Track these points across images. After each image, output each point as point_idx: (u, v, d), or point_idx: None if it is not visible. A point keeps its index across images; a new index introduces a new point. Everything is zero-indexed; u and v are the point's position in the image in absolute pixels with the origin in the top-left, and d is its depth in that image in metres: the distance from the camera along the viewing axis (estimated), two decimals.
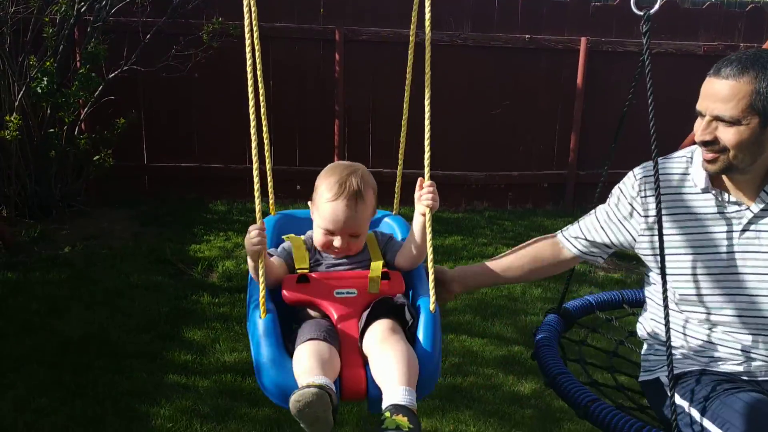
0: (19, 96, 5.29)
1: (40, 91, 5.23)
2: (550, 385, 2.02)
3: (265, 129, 1.94)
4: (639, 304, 2.43)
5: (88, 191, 6.20)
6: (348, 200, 1.90)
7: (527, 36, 6.60)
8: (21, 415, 3.00)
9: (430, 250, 1.86)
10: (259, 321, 1.76)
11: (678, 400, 1.86)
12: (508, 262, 2.21)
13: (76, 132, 5.81)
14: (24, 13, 5.35)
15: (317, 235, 1.97)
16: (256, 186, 1.79)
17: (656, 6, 1.67)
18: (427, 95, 1.89)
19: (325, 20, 6.37)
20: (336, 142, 6.43)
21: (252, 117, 1.80)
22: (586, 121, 6.71)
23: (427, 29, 1.94)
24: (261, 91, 1.93)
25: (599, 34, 6.61)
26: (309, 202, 2.04)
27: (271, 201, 2.22)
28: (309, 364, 1.63)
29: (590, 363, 2.29)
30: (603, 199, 2.20)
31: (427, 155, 1.89)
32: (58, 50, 5.49)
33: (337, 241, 1.93)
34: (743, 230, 1.87)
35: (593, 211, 2.13)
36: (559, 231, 2.20)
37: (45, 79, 5.21)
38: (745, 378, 1.88)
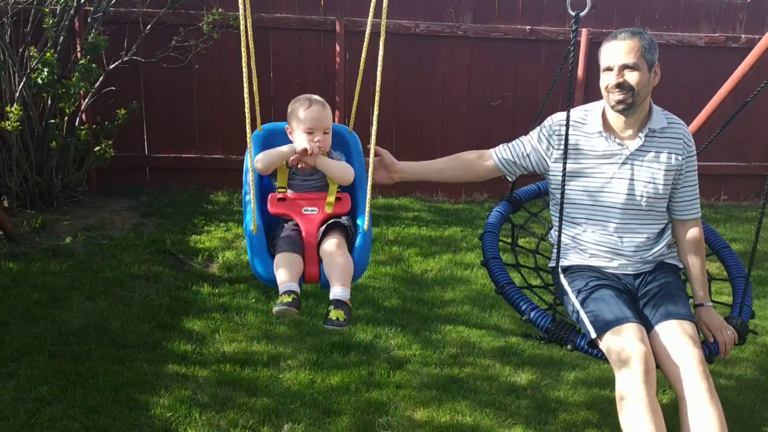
0: (20, 87, 5.30)
1: (40, 81, 5.24)
2: (484, 265, 2.88)
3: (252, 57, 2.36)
4: None
5: (89, 182, 6.23)
6: (318, 105, 2.72)
7: (528, 27, 6.59)
8: (22, 403, 3.03)
9: (370, 182, 2.51)
10: (253, 234, 2.54)
11: (565, 285, 2.67)
12: (442, 163, 2.97)
13: (76, 123, 5.82)
14: (24, 4, 5.36)
15: (300, 141, 2.67)
16: (247, 104, 2.28)
17: (586, 10, 2.24)
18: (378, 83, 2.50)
19: (325, 11, 6.36)
20: None
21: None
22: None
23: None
24: (256, 82, 2.21)
25: (600, 26, 6.60)
26: (286, 127, 2.78)
27: (258, 121, 2.74)
28: (282, 269, 2.45)
29: (521, 247, 3.21)
30: None
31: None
32: (58, 41, 5.50)
33: (317, 136, 2.67)
34: (623, 163, 2.65)
35: (520, 138, 2.92)
36: (492, 151, 2.94)
37: (45, 69, 5.22)
38: (610, 271, 2.70)
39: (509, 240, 3.26)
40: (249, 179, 2.55)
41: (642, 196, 2.65)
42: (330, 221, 2.62)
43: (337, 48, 6.33)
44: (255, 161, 2.58)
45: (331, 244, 2.53)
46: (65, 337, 3.63)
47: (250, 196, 2.58)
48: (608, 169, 2.66)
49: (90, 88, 5.69)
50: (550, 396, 3.31)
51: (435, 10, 6.41)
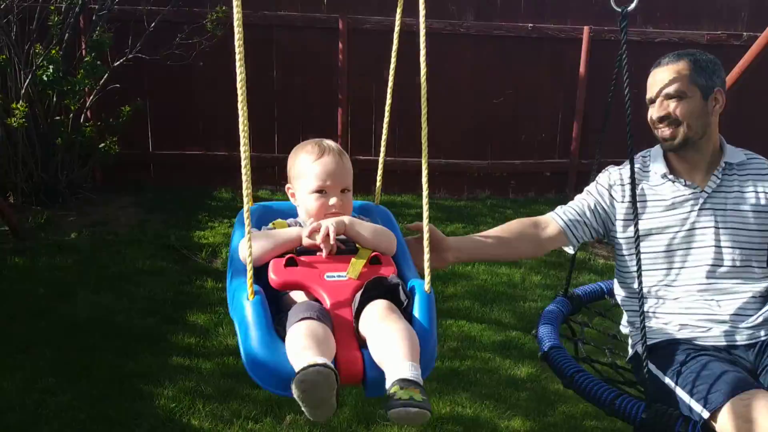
0: (26, 84, 5.35)
1: (46, 79, 5.29)
2: (544, 358, 2.19)
3: (245, 120, 1.82)
4: None
5: (93, 178, 6.27)
6: (333, 154, 1.94)
7: (530, 25, 6.61)
8: (29, 395, 3.08)
9: (426, 230, 1.82)
10: (247, 303, 1.66)
11: (653, 370, 2.02)
12: (497, 238, 2.28)
13: (81, 120, 5.87)
14: (29, 2, 5.40)
15: (309, 204, 1.93)
16: (245, 172, 1.79)
17: (633, 4, 1.84)
18: (423, 86, 1.90)
19: (328, 9, 6.39)
20: (339, 131, 6.47)
21: (240, 112, 1.80)
22: (589, 110, 6.73)
23: (422, 16, 1.93)
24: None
25: (602, 23, 6.62)
26: (287, 188, 2.04)
27: (249, 192, 1.98)
28: (305, 344, 1.52)
29: (588, 343, 2.39)
30: None
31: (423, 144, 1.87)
32: (63, 38, 5.54)
33: (332, 199, 1.91)
34: (701, 209, 2.17)
35: (577, 197, 2.39)
36: (553, 212, 2.40)
37: (51, 67, 5.26)
38: (710, 343, 2.07)
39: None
40: (237, 243, 1.86)
41: (733, 248, 2.14)
42: (370, 282, 1.73)
43: (341, 46, 6.36)
44: (246, 250, 1.67)
45: (379, 309, 1.66)
46: (71, 330, 3.68)
47: (237, 266, 1.82)
48: (683, 220, 2.17)
49: (95, 86, 5.73)
50: (549, 389, 3.35)
51: (437, 7, 6.43)
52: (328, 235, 1.82)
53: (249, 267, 1.67)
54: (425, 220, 1.81)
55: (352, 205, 2.01)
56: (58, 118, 5.64)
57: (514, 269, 4.89)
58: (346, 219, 1.89)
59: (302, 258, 1.82)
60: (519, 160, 6.86)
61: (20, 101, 5.25)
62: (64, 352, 3.45)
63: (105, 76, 5.73)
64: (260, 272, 1.80)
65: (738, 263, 2.14)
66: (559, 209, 2.38)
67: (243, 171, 1.75)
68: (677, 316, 2.14)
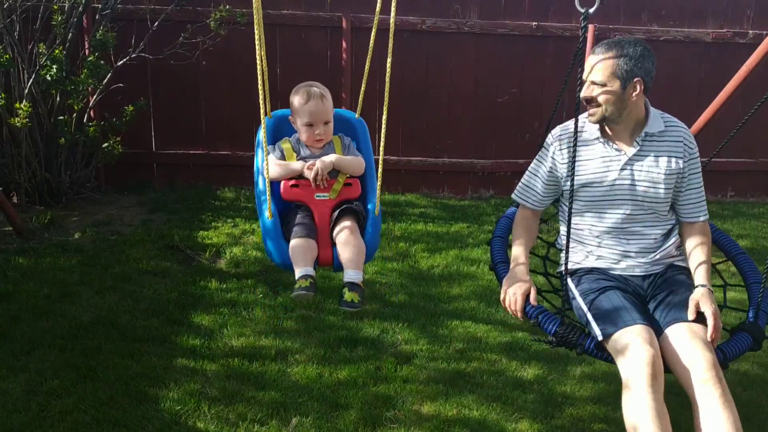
0: (29, 83, 5.34)
1: (49, 78, 5.28)
2: (492, 269, 2.91)
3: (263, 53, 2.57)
4: None
5: (97, 178, 6.27)
6: (315, 99, 2.83)
7: (534, 23, 6.58)
8: (33, 397, 3.06)
9: (380, 169, 2.72)
10: (268, 221, 2.71)
11: (572, 288, 2.70)
12: (527, 240, 2.86)
13: (85, 119, 5.86)
14: (33, 1, 5.39)
15: (302, 133, 2.88)
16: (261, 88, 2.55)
17: (595, 6, 2.33)
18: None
19: (331, 7, 6.38)
20: None
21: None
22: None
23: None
24: (266, 76, 2.31)
25: (607, 22, 6.59)
26: (290, 118, 2.94)
27: (268, 107, 2.73)
28: (298, 254, 2.63)
29: (532, 253, 2.99)
30: None
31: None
32: (67, 38, 5.53)
33: (318, 130, 2.84)
34: (621, 169, 2.66)
35: (529, 171, 2.92)
36: (518, 198, 2.95)
37: (54, 66, 5.26)
38: (617, 273, 2.70)
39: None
40: (262, 165, 2.73)
41: (644, 200, 2.66)
42: (342, 207, 2.78)
43: (344, 44, 6.34)
44: (269, 169, 2.70)
45: (344, 229, 2.69)
46: (75, 331, 3.66)
47: (263, 185, 2.72)
48: (607, 176, 2.67)
49: (98, 85, 5.72)
50: (556, 390, 3.33)
51: (441, 6, 6.41)
52: (318, 175, 2.80)
53: (268, 195, 2.67)
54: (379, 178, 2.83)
55: (332, 129, 2.91)
56: (61, 117, 5.64)
57: None
58: (334, 160, 2.84)
59: (301, 181, 2.82)
60: (523, 159, 6.83)
61: (24, 101, 5.25)
62: (68, 353, 3.43)
63: (108, 76, 5.73)
64: (276, 185, 2.83)
65: (646, 212, 2.68)
66: (525, 192, 2.91)
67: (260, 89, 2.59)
68: (597, 248, 2.74)
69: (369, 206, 2.86)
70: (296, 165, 2.85)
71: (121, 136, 5.94)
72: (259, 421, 2.98)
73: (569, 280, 2.70)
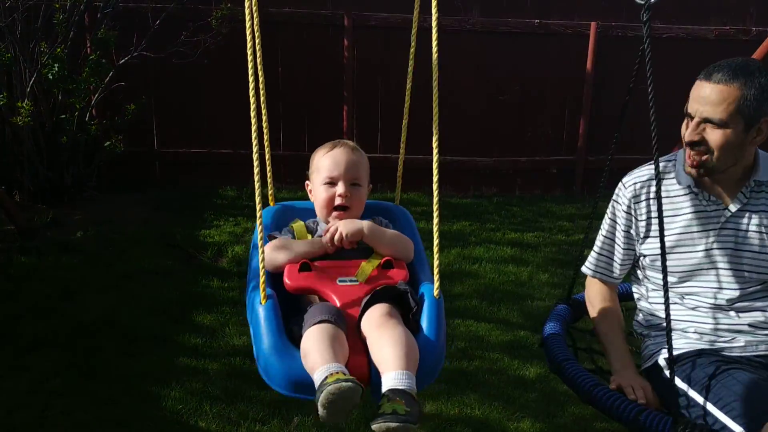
0: (31, 82, 5.34)
1: (51, 77, 5.28)
2: (555, 371, 2.09)
3: (265, 118, 2.01)
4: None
5: (99, 177, 6.26)
6: (344, 147, 2.05)
7: (536, 21, 6.57)
8: (35, 396, 3.06)
9: (436, 236, 1.84)
10: (260, 308, 1.74)
11: (678, 383, 1.92)
12: (620, 331, 2.20)
13: (87, 118, 5.86)
14: (34, 0, 5.38)
15: (319, 195, 2.04)
16: (256, 172, 1.78)
17: None
18: (435, 79, 1.92)
19: (333, 5, 6.36)
20: (345, 128, 6.44)
21: (252, 107, 1.81)
22: (595, 106, 6.69)
23: (434, 14, 1.94)
24: (264, 78, 1.97)
25: (609, 19, 6.57)
26: (306, 184, 2.14)
27: (270, 191, 2.26)
28: (322, 348, 1.60)
29: (597, 351, 2.29)
30: (609, 187, 2.28)
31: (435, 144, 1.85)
32: (68, 36, 5.53)
33: (339, 188, 2.00)
34: (722, 228, 2.04)
35: (601, 234, 2.26)
36: (593, 272, 2.28)
37: (56, 65, 5.26)
38: (736, 354, 1.98)
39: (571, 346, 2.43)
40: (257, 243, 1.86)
41: (751, 271, 2.03)
42: (378, 289, 1.83)
43: (346, 42, 6.33)
44: (266, 258, 1.80)
45: (378, 315, 1.72)
46: (77, 330, 3.66)
47: (255, 262, 1.90)
48: (702, 239, 2.05)
49: (100, 84, 5.72)
50: (558, 389, 3.32)
51: (443, 3, 6.36)
52: (338, 235, 1.92)
53: (261, 272, 1.75)
54: (435, 219, 1.84)
55: (363, 200, 2.07)
56: (63, 116, 5.63)
57: (521, 268, 4.86)
58: (365, 226, 1.95)
59: (316, 263, 1.89)
60: (525, 156, 6.83)
61: (26, 100, 5.24)
62: (69, 352, 3.43)
63: (110, 74, 5.72)
64: (279, 275, 1.89)
65: (756, 286, 2.04)
66: (600, 262, 2.26)
67: (255, 178, 1.80)
68: (696, 324, 2.05)
69: (422, 289, 1.89)
70: (311, 242, 1.97)
71: (122, 134, 5.94)
72: (261, 420, 2.98)
73: (667, 373, 1.98)
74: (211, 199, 6.17)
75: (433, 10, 1.92)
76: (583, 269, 2.32)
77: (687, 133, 1.98)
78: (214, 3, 6.08)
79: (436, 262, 1.82)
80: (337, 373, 1.53)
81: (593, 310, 2.26)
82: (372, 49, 6.32)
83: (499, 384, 3.36)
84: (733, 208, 2.04)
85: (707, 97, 1.91)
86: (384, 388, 1.56)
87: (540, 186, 6.93)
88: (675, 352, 1.95)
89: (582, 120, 6.74)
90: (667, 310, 1.75)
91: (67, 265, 4.53)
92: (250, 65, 1.82)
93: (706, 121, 1.93)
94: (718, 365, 1.91)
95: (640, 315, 2.25)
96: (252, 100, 1.81)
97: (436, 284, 1.82)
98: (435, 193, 1.81)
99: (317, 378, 1.56)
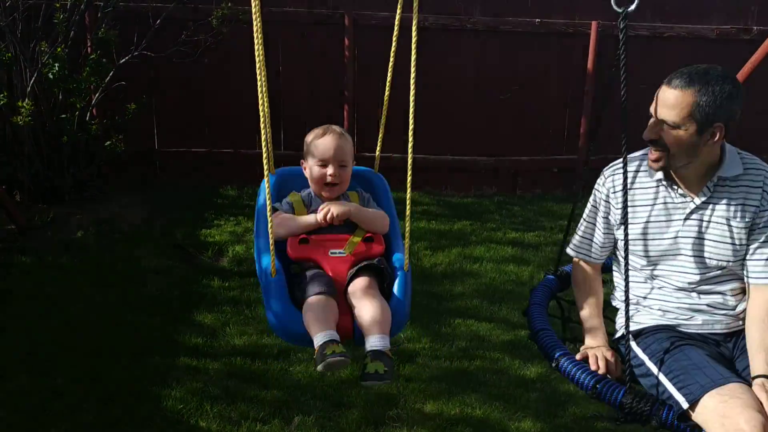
0: (31, 81, 5.33)
1: (51, 76, 5.27)
2: (532, 339, 2.34)
3: (267, 115, 2.15)
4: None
5: (100, 176, 6.25)
6: (333, 134, 2.45)
7: (537, 20, 6.55)
8: (35, 396, 3.06)
9: (408, 212, 2.21)
10: (271, 279, 2.17)
11: (639, 353, 2.17)
12: (597, 301, 2.40)
13: (87, 117, 5.85)
14: None
15: (314, 174, 2.44)
16: (263, 135, 2.10)
17: (634, 4, 1.94)
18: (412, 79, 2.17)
19: (333, 5, 6.36)
20: (345, 127, 6.43)
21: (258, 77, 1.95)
22: (597, 105, 6.68)
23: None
24: (266, 73, 2.09)
25: (611, 18, 6.56)
26: (301, 162, 2.55)
27: (271, 162, 2.45)
28: (319, 315, 2.07)
29: (576, 321, 2.46)
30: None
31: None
32: (69, 36, 5.52)
33: (330, 169, 2.40)
34: (686, 218, 2.22)
35: (583, 219, 2.45)
36: (575, 253, 2.48)
37: (56, 64, 5.25)
38: (693, 330, 2.21)
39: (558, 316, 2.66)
40: (262, 211, 2.30)
41: (711, 258, 2.20)
42: (361, 263, 2.27)
43: (346, 42, 6.32)
44: (274, 230, 2.18)
45: (361, 286, 2.18)
46: (77, 330, 3.66)
47: (265, 238, 2.22)
48: (669, 227, 2.24)
49: (100, 83, 5.71)
50: (559, 389, 3.32)
51: (444, 2, 6.39)
52: (329, 215, 2.34)
53: (272, 250, 2.16)
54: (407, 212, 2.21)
55: (349, 176, 2.47)
56: (63, 116, 5.63)
57: (522, 267, 4.85)
58: (352, 207, 2.40)
59: (312, 237, 2.34)
60: (526, 156, 6.82)
61: (26, 99, 5.24)
62: (70, 352, 3.43)
63: (110, 74, 5.72)
64: (281, 242, 2.31)
65: (716, 271, 2.22)
66: (582, 245, 2.45)
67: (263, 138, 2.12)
68: (661, 302, 2.27)
69: (395, 261, 2.33)
70: (307, 219, 2.39)
71: (123, 134, 5.93)
72: (262, 420, 2.98)
73: (633, 344, 2.23)
74: (212, 198, 6.17)
75: (415, 10, 2.14)
76: (568, 250, 2.52)
77: (646, 131, 2.17)
78: (214, 2, 6.07)
79: (407, 239, 2.25)
80: (333, 342, 1.99)
81: (575, 288, 2.48)
82: (372, 49, 6.31)
83: (500, 384, 3.35)
84: (697, 200, 2.21)
85: (665, 101, 2.09)
86: (366, 348, 2.06)
87: (541, 185, 6.92)
88: (639, 326, 2.26)
89: (583, 119, 6.72)
90: (627, 290, 1.98)
91: (68, 265, 4.52)
92: (257, 62, 1.96)
93: (662, 122, 2.11)
94: (673, 341, 2.13)
95: (616, 290, 2.47)
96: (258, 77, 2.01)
97: (406, 259, 2.29)
98: (409, 178, 2.19)
99: (317, 342, 2.02)
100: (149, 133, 6.49)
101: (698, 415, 1.87)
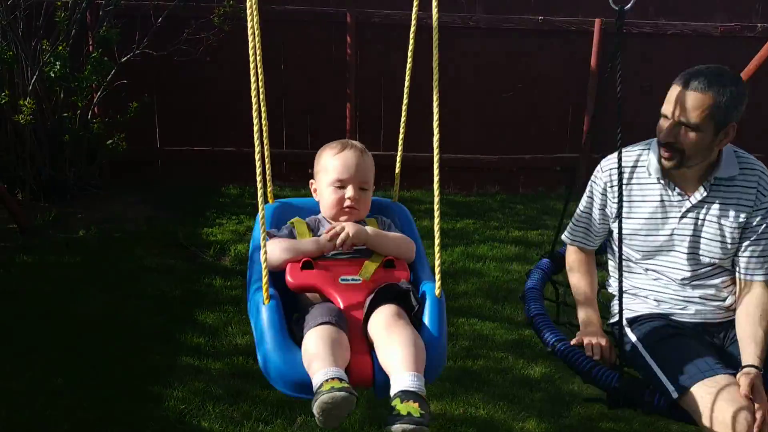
0: (33, 80, 5.32)
1: (53, 75, 5.26)
2: (528, 323, 2.39)
3: (265, 116, 2.01)
4: None
5: (101, 175, 6.25)
6: (353, 150, 2.05)
7: (540, 17, 6.52)
8: (37, 395, 3.05)
9: (437, 236, 1.85)
10: (263, 307, 1.74)
11: (634, 340, 2.23)
12: (592, 287, 2.48)
13: (89, 116, 5.84)
14: None
15: (327, 196, 2.03)
16: (259, 171, 1.78)
17: (631, 3, 1.96)
18: (435, 78, 1.94)
19: (335, 3, 6.34)
20: (348, 125, 6.41)
21: (254, 103, 1.81)
22: (600, 103, 6.65)
23: (435, 12, 1.94)
24: (266, 75, 1.99)
25: (613, 15, 6.50)
26: (310, 183, 2.15)
27: (269, 189, 2.22)
28: (322, 351, 1.61)
29: (570, 305, 2.53)
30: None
31: (436, 139, 1.88)
32: (70, 34, 5.51)
33: (349, 191, 2.00)
34: (683, 216, 2.27)
35: (579, 209, 2.53)
36: (570, 240, 2.56)
37: (58, 63, 5.24)
38: (686, 320, 2.28)
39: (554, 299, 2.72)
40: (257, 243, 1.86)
41: (704, 255, 2.27)
42: (381, 287, 1.81)
43: (348, 40, 6.30)
44: (268, 257, 1.78)
45: (386, 314, 1.72)
46: (79, 329, 3.65)
47: (258, 272, 1.83)
48: (665, 225, 2.29)
49: (102, 82, 5.70)
50: (564, 389, 3.30)
51: (446, 1, 6.36)
52: (342, 236, 1.90)
53: (264, 272, 1.74)
54: (437, 219, 1.90)
55: (369, 203, 2.08)
56: (65, 114, 5.62)
57: (525, 266, 4.82)
58: (370, 230, 1.97)
59: (318, 261, 1.88)
60: (529, 154, 6.79)
61: (28, 98, 5.23)
62: (72, 351, 3.42)
63: (112, 72, 5.70)
64: (280, 273, 1.88)
65: (707, 267, 2.30)
66: (577, 232, 2.54)
67: (258, 180, 1.79)
68: (657, 293, 2.34)
69: (424, 288, 1.90)
70: (309, 244, 1.93)
71: (125, 132, 5.92)
72: (264, 420, 2.96)
73: (628, 330, 2.27)
74: (214, 197, 6.15)
75: (434, 11, 1.94)
76: (563, 237, 2.58)
77: (663, 134, 2.17)
78: (216, 0, 6.05)
79: (437, 261, 1.83)
80: (334, 379, 1.55)
81: (570, 274, 2.52)
82: (375, 47, 6.29)
83: (504, 383, 3.33)
84: (693, 199, 2.26)
85: (684, 103, 2.10)
86: (396, 389, 1.58)
87: (544, 184, 6.90)
88: (634, 314, 2.33)
89: (586, 117, 6.70)
90: (620, 284, 2.07)
91: (70, 264, 4.51)
92: (251, 66, 1.80)
93: (681, 124, 2.12)
94: (666, 330, 2.21)
95: (611, 278, 2.50)
96: (254, 101, 1.79)
97: (438, 283, 1.83)
98: (436, 192, 1.86)
99: (315, 382, 1.58)
100: (151, 132, 6.47)
101: (687, 404, 1.97)
